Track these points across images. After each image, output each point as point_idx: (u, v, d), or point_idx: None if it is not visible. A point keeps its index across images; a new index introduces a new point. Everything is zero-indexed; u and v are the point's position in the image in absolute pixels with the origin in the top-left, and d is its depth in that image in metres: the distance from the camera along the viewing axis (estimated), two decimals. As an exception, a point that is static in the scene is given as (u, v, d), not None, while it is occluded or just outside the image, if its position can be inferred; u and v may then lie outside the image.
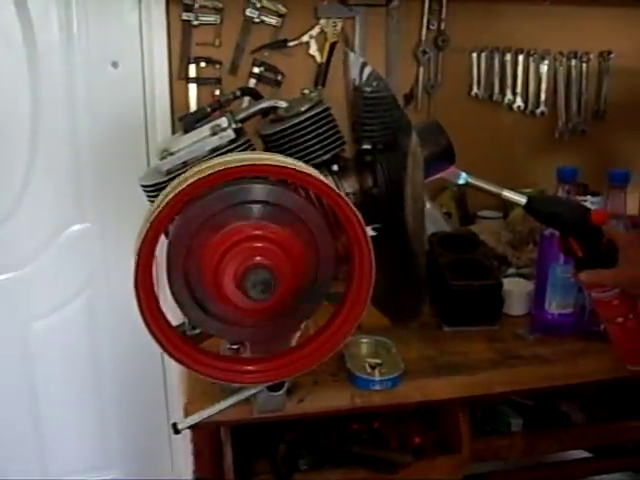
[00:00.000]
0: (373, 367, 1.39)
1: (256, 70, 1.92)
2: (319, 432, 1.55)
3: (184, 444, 2.14)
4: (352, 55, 1.26)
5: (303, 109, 1.11)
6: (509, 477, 1.68)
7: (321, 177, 1.01)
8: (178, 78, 1.92)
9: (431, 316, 1.63)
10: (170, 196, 0.94)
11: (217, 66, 1.91)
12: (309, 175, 0.99)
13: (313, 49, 1.94)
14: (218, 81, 1.92)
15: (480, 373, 1.42)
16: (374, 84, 1.14)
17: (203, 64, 1.91)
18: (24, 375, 2.11)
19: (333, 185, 1.04)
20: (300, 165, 1.02)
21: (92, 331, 2.12)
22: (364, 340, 1.47)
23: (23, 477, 2.20)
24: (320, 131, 1.11)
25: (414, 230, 1.14)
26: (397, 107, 1.14)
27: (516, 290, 1.64)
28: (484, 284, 1.57)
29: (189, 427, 1.22)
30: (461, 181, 1.18)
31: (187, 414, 1.25)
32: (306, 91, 1.14)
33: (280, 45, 1.92)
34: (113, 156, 1.96)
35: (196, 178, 0.94)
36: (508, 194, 1.17)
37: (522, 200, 1.16)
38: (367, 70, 1.16)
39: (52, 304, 2.08)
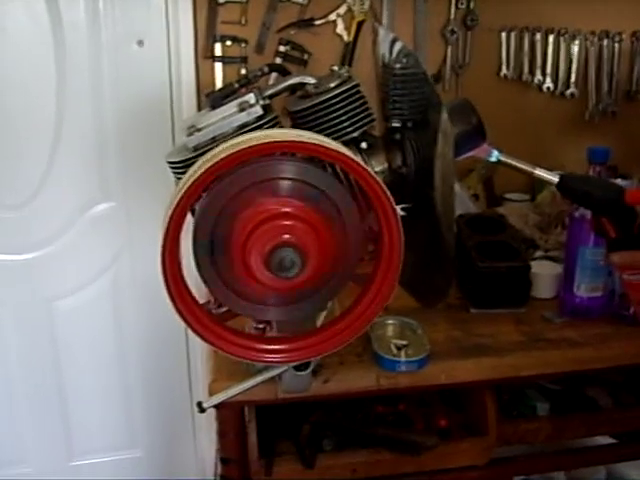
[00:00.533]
0: (399, 348, 1.38)
1: (282, 49, 1.90)
2: (344, 413, 1.54)
3: (207, 424, 2.16)
4: (382, 31, 1.25)
5: (332, 85, 1.10)
6: (535, 461, 1.66)
7: (350, 154, 1.00)
8: (204, 57, 1.90)
9: (458, 298, 1.62)
10: (199, 172, 0.93)
11: (243, 45, 1.89)
12: (338, 152, 0.98)
13: (340, 28, 1.91)
14: (244, 60, 1.90)
15: (507, 356, 1.41)
16: (404, 60, 1.13)
17: (229, 43, 1.89)
18: (49, 353, 2.12)
19: (362, 162, 1.03)
20: (329, 142, 1.01)
21: (117, 310, 2.13)
22: (390, 321, 1.46)
23: (49, 456, 2.22)
24: (349, 108, 1.10)
25: (443, 210, 1.13)
26: (428, 83, 1.12)
27: (544, 273, 1.62)
28: (512, 266, 1.55)
29: (214, 406, 1.22)
30: (493, 159, 1.16)
31: (212, 393, 1.25)
32: (335, 68, 1.13)
33: (307, 24, 1.89)
34: (138, 135, 1.95)
35: (224, 155, 0.93)
36: (540, 172, 1.15)
37: (554, 179, 1.14)
38: (397, 46, 1.15)
39: (77, 283, 2.09)
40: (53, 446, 2.23)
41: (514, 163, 1.17)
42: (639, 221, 1.12)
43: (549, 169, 1.18)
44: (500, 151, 1.17)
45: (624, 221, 1.13)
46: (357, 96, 1.11)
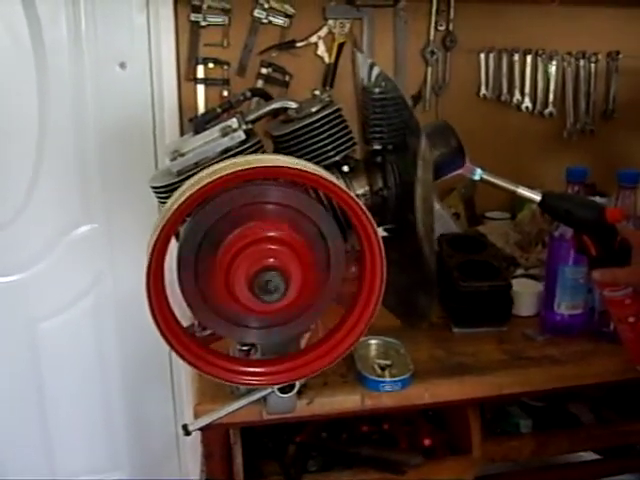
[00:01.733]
0: (383, 368, 1.39)
1: (264, 71, 1.92)
2: (329, 433, 1.54)
3: (192, 445, 2.15)
4: (360, 55, 1.26)
5: (314, 110, 1.11)
6: (519, 478, 1.68)
7: (332, 178, 1.01)
8: (186, 79, 1.92)
9: (440, 317, 1.63)
10: (183, 198, 0.94)
11: (225, 67, 1.91)
12: (320, 176, 0.99)
13: (321, 50, 1.93)
14: (226, 82, 1.92)
15: (489, 374, 1.42)
16: (382, 85, 1.14)
17: (211, 65, 1.90)
18: (31, 375, 2.11)
19: (344, 186, 1.04)
20: (311, 166, 1.02)
21: (99, 332, 2.12)
22: (373, 341, 1.47)
23: (30, 477, 2.20)
24: (331, 132, 1.11)
25: (424, 231, 1.14)
26: (406, 108, 1.14)
27: (525, 291, 1.64)
28: (493, 285, 1.56)
29: (199, 429, 1.22)
30: (476, 177, 1.17)
31: (197, 416, 1.25)
32: (317, 92, 1.14)
33: (288, 46, 1.92)
34: (120, 157, 1.96)
35: (208, 180, 0.94)
36: (523, 191, 1.17)
37: (537, 197, 1.16)
38: (375, 71, 1.16)
39: (59, 305, 2.08)
40: (36, 468, 2.20)
41: (497, 181, 1.18)
42: (619, 238, 1.14)
43: (529, 187, 1.19)
44: (483, 169, 1.18)
45: (605, 238, 1.14)
46: (338, 120, 1.12)
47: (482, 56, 2.06)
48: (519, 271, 1.77)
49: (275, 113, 1.19)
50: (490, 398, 1.44)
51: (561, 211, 1.17)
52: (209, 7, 1.85)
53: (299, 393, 1.22)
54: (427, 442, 1.54)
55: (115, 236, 2.03)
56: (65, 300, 2.07)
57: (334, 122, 1.11)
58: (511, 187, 1.18)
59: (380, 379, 1.34)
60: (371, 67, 1.19)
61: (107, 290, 2.08)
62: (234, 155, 1.08)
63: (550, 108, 2.11)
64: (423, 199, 1.10)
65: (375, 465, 1.45)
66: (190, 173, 1.07)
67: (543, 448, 1.57)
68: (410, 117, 1.12)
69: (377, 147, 1.17)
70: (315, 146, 1.10)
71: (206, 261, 1.01)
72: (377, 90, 1.15)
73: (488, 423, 1.62)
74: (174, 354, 1.06)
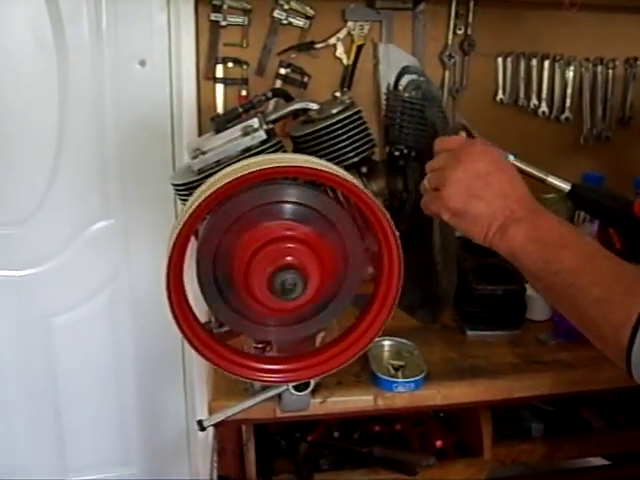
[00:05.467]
0: (396, 369, 1.40)
1: (283, 71, 1.93)
2: (341, 433, 1.56)
3: (203, 442, 2.16)
4: (393, 54, 1.25)
5: (335, 111, 1.12)
6: (529, 482, 1.69)
7: (351, 179, 1.02)
8: (205, 78, 1.93)
9: (454, 320, 1.63)
10: (204, 196, 0.95)
11: (244, 67, 1.92)
12: (339, 176, 1.00)
13: (340, 51, 1.94)
14: (245, 82, 1.93)
15: (502, 378, 1.43)
16: (413, 93, 1.15)
17: (230, 64, 1.91)
18: (45, 369, 2.12)
19: (363, 187, 1.05)
20: (330, 166, 1.03)
21: (114, 327, 2.13)
22: (387, 342, 1.48)
23: (43, 472, 2.22)
24: (351, 134, 1.12)
25: (442, 241, 1.15)
26: (442, 114, 1.14)
27: (539, 295, 1.64)
28: (507, 289, 1.57)
29: (213, 424, 1.23)
30: None
31: (211, 412, 1.26)
32: (338, 94, 1.15)
33: (307, 47, 1.92)
34: (139, 154, 1.97)
35: (229, 179, 0.95)
36: (553, 180, 1.17)
37: (566, 187, 1.16)
38: (408, 77, 1.17)
39: (75, 300, 2.09)
40: (48, 462, 2.22)
41: (527, 168, 1.18)
42: None
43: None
44: (515, 155, 1.18)
45: (631, 232, 1.14)
46: (359, 122, 1.13)
47: (500, 60, 2.06)
48: (533, 275, 1.78)
49: (296, 114, 1.20)
50: (502, 401, 1.45)
51: (590, 202, 1.17)
52: (229, 7, 1.86)
53: (313, 392, 1.23)
54: (438, 443, 1.55)
55: (132, 232, 2.04)
56: (81, 295, 2.09)
57: (355, 124, 1.12)
58: (541, 175, 1.18)
59: (393, 379, 1.36)
60: (401, 73, 1.19)
61: (123, 286, 2.09)
62: (255, 154, 1.09)
63: (567, 113, 2.11)
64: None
65: (386, 465, 1.46)
66: (211, 171, 1.08)
67: (553, 452, 1.58)
68: (444, 122, 1.13)
69: (399, 152, 1.17)
70: (335, 147, 1.12)
71: (225, 258, 1.02)
72: (407, 95, 1.15)
73: (499, 426, 1.63)
74: (191, 349, 1.07)
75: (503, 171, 0.97)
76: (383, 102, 1.22)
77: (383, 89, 1.21)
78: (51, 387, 2.15)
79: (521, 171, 1.18)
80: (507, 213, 0.93)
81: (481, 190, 0.94)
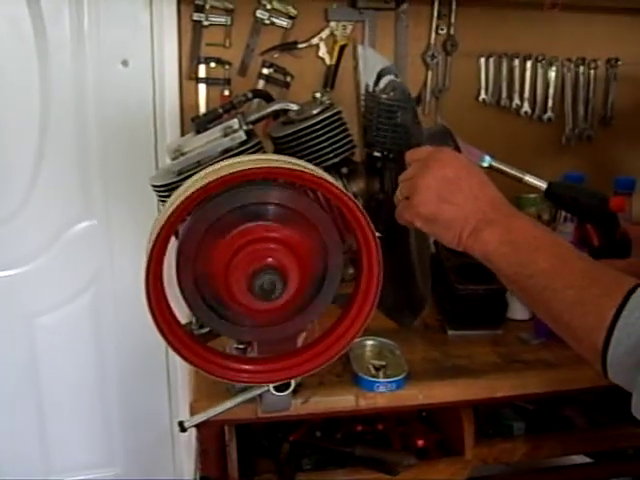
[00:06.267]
0: (377, 369, 1.40)
1: (265, 71, 1.93)
2: (323, 432, 1.56)
3: (186, 442, 2.16)
4: (371, 59, 1.26)
5: (314, 112, 1.13)
6: (511, 480, 1.69)
7: (331, 179, 1.02)
8: (188, 78, 1.93)
9: (436, 319, 1.64)
10: (183, 197, 0.95)
11: (227, 67, 1.92)
12: (319, 177, 1.00)
13: (322, 51, 1.94)
14: (227, 81, 1.93)
15: (483, 377, 1.43)
16: (391, 94, 1.15)
17: (213, 64, 1.91)
18: (28, 370, 2.11)
19: (342, 187, 1.05)
20: (310, 167, 1.03)
21: (97, 328, 2.13)
22: (369, 342, 1.48)
23: (26, 472, 2.21)
24: (331, 135, 1.12)
25: (417, 244, 1.15)
26: (416, 119, 1.15)
27: (520, 295, 1.65)
28: (489, 288, 1.58)
29: (195, 425, 1.23)
30: (485, 164, 1.19)
31: (193, 412, 1.26)
32: (318, 94, 1.15)
33: (290, 47, 1.93)
34: (121, 154, 1.97)
35: (208, 180, 0.95)
36: (530, 179, 1.19)
37: (543, 185, 1.18)
38: (386, 78, 1.17)
39: (57, 300, 2.09)
40: (30, 463, 2.20)
41: (505, 169, 1.19)
42: (621, 229, 1.15)
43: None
44: (492, 156, 1.19)
45: (607, 228, 1.16)
46: (338, 123, 1.13)
47: (482, 61, 2.07)
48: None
49: (276, 115, 1.20)
50: (483, 400, 1.46)
51: (567, 199, 1.19)
52: (212, 7, 1.86)
53: (294, 392, 1.23)
54: (420, 443, 1.56)
55: (114, 233, 2.04)
56: (63, 296, 2.08)
57: (334, 125, 1.12)
58: (518, 174, 1.20)
59: (375, 379, 1.36)
60: (381, 73, 1.20)
61: (106, 286, 2.09)
62: (235, 155, 1.09)
63: (549, 113, 2.12)
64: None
65: (368, 465, 1.46)
66: (191, 172, 1.08)
67: (536, 451, 1.58)
68: (417, 127, 1.13)
69: (378, 153, 1.17)
70: (315, 148, 1.12)
71: (205, 259, 1.02)
72: (384, 96, 1.16)
73: (481, 425, 1.63)
74: (171, 350, 1.07)
75: (473, 175, 0.97)
76: (362, 103, 1.22)
77: (362, 90, 1.21)
78: (34, 387, 2.13)
79: (498, 171, 1.19)
80: (479, 216, 0.94)
81: (452, 195, 0.95)
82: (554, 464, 1.83)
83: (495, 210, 0.94)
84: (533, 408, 1.72)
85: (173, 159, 1.12)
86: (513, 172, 1.19)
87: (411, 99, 1.18)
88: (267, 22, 1.90)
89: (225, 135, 1.11)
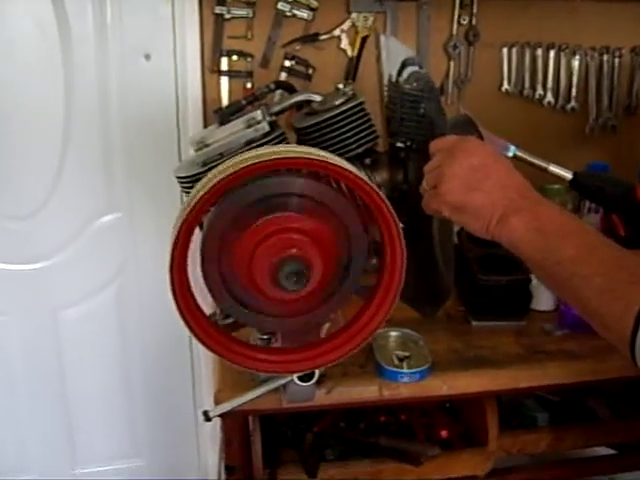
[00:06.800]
0: (401, 360, 1.40)
1: (287, 63, 1.93)
2: (347, 423, 1.56)
3: (210, 432, 2.18)
4: (393, 50, 1.26)
5: (337, 103, 1.13)
6: (535, 472, 1.69)
7: (354, 170, 1.02)
8: (210, 71, 1.93)
9: (459, 310, 1.64)
10: (207, 187, 0.95)
11: (249, 59, 1.92)
12: (342, 168, 1.00)
13: (344, 43, 1.94)
14: (249, 74, 1.93)
15: (507, 368, 1.43)
16: (415, 84, 1.15)
17: (235, 57, 1.92)
18: (53, 362, 2.14)
19: (366, 178, 1.05)
20: (334, 158, 1.03)
21: (121, 320, 2.15)
22: (392, 333, 1.49)
23: (53, 463, 2.24)
24: (354, 125, 1.12)
25: (440, 235, 1.15)
26: (440, 110, 1.14)
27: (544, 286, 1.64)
28: (512, 279, 1.58)
29: (219, 415, 1.24)
30: (510, 154, 1.19)
31: (218, 402, 1.27)
32: (340, 85, 1.15)
33: (311, 39, 1.93)
34: (144, 147, 1.98)
35: (232, 170, 0.95)
36: (555, 168, 1.18)
37: (568, 175, 1.17)
38: (409, 69, 1.17)
39: (82, 293, 2.11)
40: (56, 454, 2.24)
41: (530, 158, 1.19)
42: None
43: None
44: (517, 146, 1.18)
45: (634, 218, 1.15)
46: (361, 114, 1.13)
47: (505, 50, 2.06)
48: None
49: (299, 106, 1.20)
50: (507, 391, 1.46)
51: (593, 188, 1.18)
52: (233, 0, 1.87)
53: (318, 382, 1.24)
54: (444, 434, 1.56)
55: (138, 225, 2.05)
56: (88, 289, 2.11)
57: (357, 115, 1.12)
58: (543, 164, 1.19)
59: (398, 370, 1.36)
60: (405, 63, 1.19)
61: (130, 278, 2.11)
62: (258, 146, 1.09)
63: (572, 103, 2.10)
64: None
65: (392, 455, 1.47)
66: (215, 163, 1.08)
67: (559, 442, 1.58)
68: (441, 118, 1.13)
69: (401, 144, 1.17)
70: (338, 139, 1.12)
71: (229, 250, 1.02)
72: (408, 87, 1.15)
73: (505, 416, 1.63)
74: (196, 341, 1.08)
75: (499, 163, 0.97)
76: (385, 94, 1.21)
77: (385, 81, 1.21)
78: (59, 379, 2.17)
79: (523, 160, 1.18)
80: (507, 203, 0.93)
81: (479, 182, 0.95)
82: (578, 455, 1.83)
83: (522, 197, 0.94)
84: (557, 399, 1.72)
85: (197, 150, 1.12)
86: (538, 162, 1.19)
87: (435, 89, 1.18)
88: (289, 14, 1.90)
89: (249, 126, 1.11)
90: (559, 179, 1.26)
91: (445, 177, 0.96)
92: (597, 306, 0.85)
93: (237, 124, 1.12)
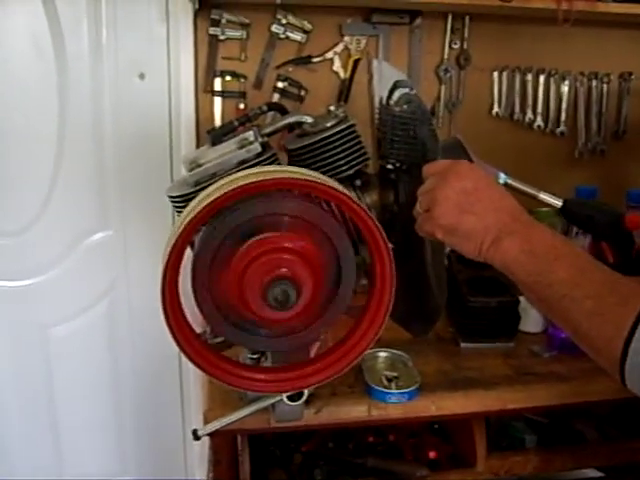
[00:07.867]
0: (390, 380, 1.41)
1: (280, 85, 1.95)
2: (335, 443, 1.56)
3: (199, 452, 2.17)
4: (386, 72, 1.28)
5: (329, 125, 1.14)
6: (522, 494, 1.69)
7: (345, 191, 1.04)
8: (203, 91, 1.95)
9: (448, 331, 1.65)
10: (199, 207, 0.96)
11: (242, 80, 1.94)
12: (333, 188, 1.01)
13: (337, 65, 1.96)
14: (243, 95, 1.95)
15: (495, 389, 1.44)
16: (405, 107, 1.17)
17: (228, 78, 1.93)
18: (42, 379, 2.13)
19: (356, 199, 1.06)
20: (324, 179, 1.05)
21: (111, 338, 2.15)
22: (381, 353, 1.49)
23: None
24: (345, 147, 1.13)
25: (433, 256, 1.16)
26: (433, 133, 1.16)
27: (532, 308, 1.65)
28: (502, 301, 1.58)
29: (208, 434, 1.24)
30: (500, 181, 1.20)
31: (207, 421, 1.27)
32: (332, 107, 1.17)
33: (304, 61, 1.95)
34: (137, 166, 1.99)
35: (224, 191, 0.96)
36: (545, 196, 1.19)
37: (558, 203, 1.18)
38: (400, 91, 1.18)
39: (73, 311, 2.11)
40: (44, 471, 2.22)
41: (520, 186, 1.20)
42: (637, 247, 1.15)
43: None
44: (507, 174, 1.20)
45: (623, 246, 1.16)
46: (352, 135, 1.14)
47: (495, 75, 2.08)
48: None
49: (291, 127, 1.21)
50: (495, 412, 1.46)
51: (582, 216, 1.19)
52: (228, 21, 1.89)
53: (307, 402, 1.24)
54: (432, 454, 1.56)
55: (130, 243, 2.06)
56: (79, 306, 2.10)
57: (348, 137, 1.14)
58: (533, 192, 1.20)
59: (387, 390, 1.36)
60: (395, 85, 1.21)
61: (121, 296, 2.11)
62: (250, 167, 1.10)
63: (562, 127, 2.13)
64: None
65: (380, 476, 1.47)
66: (207, 184, 1.09)
67: (547, 464, 1.58)
68: (434, 141, 1.14)
69: (391, 165, 1.19)
70: (329, 160, 1.13)
71: (220, 269, 1.03)
72: (398, 109, 1.17)
73: (493, 438, 1.64)
74: (185, 359, 1.08)
75: (492, 186, 0.99)
76: (376, 116, 1.23)
77: (376, 103, 1.22)
78: (48, 397, 2.16)
79: (513, 189, 1.20)
80: (500, 226, 0.95)
81: (472, 205, 0.96)
82: (565, 478, 1.83)
83: (515, 220, 0.95)
84: (545, 421, 1.72)
85: (189, 170, 1.13)
86: (528, 190, 1.20)
87: (427, 112, 1.19)
88: (282, 36, 1.92)
89: (241, 147, 1.12)
90: (550, 206, 1.28)
91: (438, 200, 0.97)
92: (587, 329, 0.86)
93: (229, 145, 1.14)
